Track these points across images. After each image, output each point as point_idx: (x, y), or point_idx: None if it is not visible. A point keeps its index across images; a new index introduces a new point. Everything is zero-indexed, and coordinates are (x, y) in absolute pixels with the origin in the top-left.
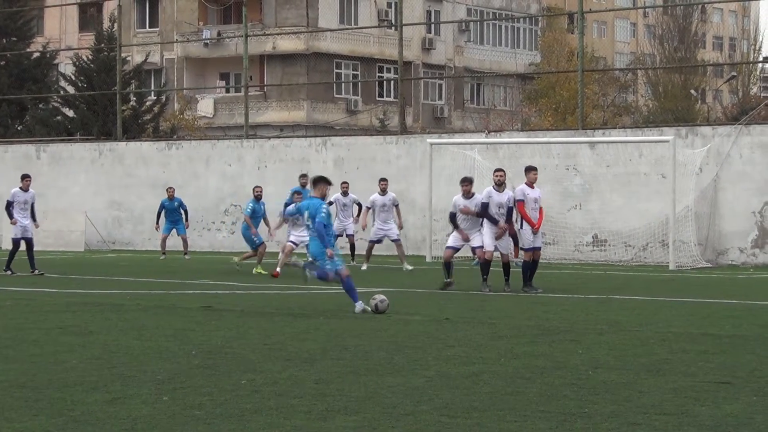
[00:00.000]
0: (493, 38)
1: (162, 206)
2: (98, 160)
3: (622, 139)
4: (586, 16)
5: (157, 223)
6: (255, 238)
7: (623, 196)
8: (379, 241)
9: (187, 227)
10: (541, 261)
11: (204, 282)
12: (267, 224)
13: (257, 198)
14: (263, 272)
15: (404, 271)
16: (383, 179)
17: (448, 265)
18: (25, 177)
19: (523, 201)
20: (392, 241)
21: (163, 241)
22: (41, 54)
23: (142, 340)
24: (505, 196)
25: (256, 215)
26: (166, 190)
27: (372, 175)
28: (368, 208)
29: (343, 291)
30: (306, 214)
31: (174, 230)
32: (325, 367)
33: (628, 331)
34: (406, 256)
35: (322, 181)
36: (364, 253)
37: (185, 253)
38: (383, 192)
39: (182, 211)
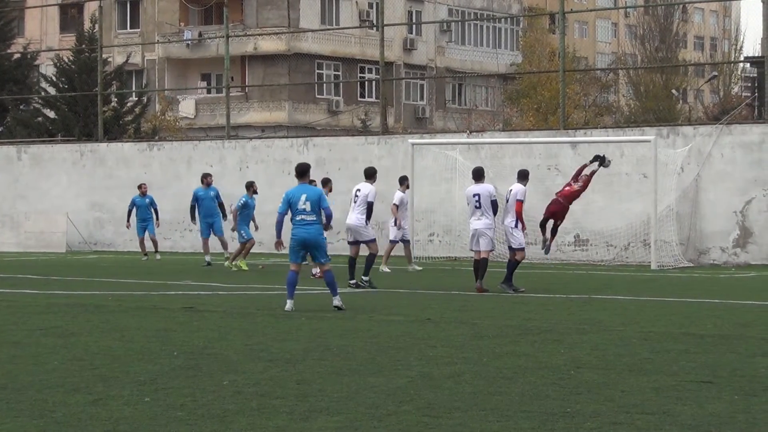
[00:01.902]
0: (474, 38)
1: (133, 203)
2: (80, 161)
3: (603, 139)
4: (568, 16)
5: (128, 220)
6: (243, 233)
7: (605, 196)
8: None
9: (157, 226)
10: (523, 261)
11: (186, 283)
12: (253, 221)
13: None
14: (244, 268)
15: (410, 271)
16: (406, 177)
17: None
18: None
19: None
20: (404, 241)
21: (141, 243)
22: (22, 55)
23: (123, 341)
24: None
25: (248, 210)
26: (139, 186)
27: (353, 175)
28: (397, 206)
29: (327, 291)
30: (303, 198)
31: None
32: (307, 368)
33: (610, 331)
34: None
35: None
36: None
37: (155, 252)
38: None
39: (153, 210)
